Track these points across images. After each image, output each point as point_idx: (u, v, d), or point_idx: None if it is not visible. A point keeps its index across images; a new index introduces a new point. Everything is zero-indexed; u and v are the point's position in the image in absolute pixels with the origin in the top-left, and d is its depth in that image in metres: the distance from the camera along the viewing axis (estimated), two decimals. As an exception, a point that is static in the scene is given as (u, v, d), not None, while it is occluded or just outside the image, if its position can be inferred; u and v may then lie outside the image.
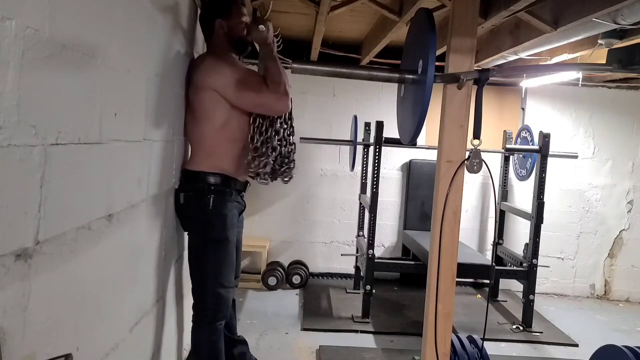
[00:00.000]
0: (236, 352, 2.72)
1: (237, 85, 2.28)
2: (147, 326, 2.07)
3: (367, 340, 3.63)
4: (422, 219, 4.88)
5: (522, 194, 4.89)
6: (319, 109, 4.93)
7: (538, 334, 3.92)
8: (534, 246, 3.97)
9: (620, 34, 2.79)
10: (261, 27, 2.31)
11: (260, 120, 2.40)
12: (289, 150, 2.51)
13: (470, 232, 5.04)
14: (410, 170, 4.96)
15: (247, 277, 4.57)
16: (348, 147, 4.61)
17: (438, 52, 2.46)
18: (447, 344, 1.99)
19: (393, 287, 4.88)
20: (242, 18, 2.44)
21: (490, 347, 2.64)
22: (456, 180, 1.92)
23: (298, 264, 4.87)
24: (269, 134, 2.40)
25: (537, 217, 3.94)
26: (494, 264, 3.47)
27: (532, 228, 3.99)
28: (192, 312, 2.42)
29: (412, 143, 1.93)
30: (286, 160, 2.49)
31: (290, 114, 2.51)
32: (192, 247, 2.40)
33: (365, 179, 4.50)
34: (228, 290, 2.39)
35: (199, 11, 2.59)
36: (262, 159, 2.38)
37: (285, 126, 2.48)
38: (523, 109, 5.06)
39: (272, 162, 2.42)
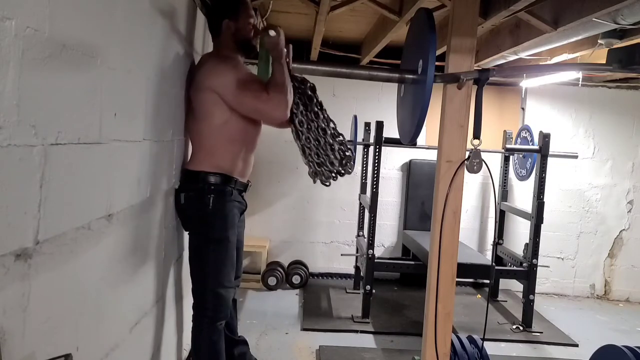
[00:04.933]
0: (236, 352, 2.73)
1: (237, 89, 2.27)
2: (147, 326, 2.07)
3: (367, 340, 3.63)
4: (422, 219, 4.88)
5: (522, 194, 4.89)
6: (319, 109, 4.92)
7: (538, 334, 3.92)
8: (534, 246, 3.97)
9: (620, 34, 2.79)
10: (272, 32, 2.28)
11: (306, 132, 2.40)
12: (341, 141, 2.48)
13: (470, 232, 5.04)
14: (410, 170, 4.96)
15: (247, 277, 4.57)
16: (348, 147, 4.60)
17: (438, 52, 2.46)
18: (447, 344, 1.99)
19: (393, 287, 4.88)
20: (250, 20, 2.43)
21: (490, 347, 2.64)
22: (456, 180, 1.93)
23: (298, 264, 4.87)
24: (314, 138, 2.41)
25: (537, 217, 3.94)
26: (494, 264, 3.47)
27: (532, 228, 3.99)
28: (192, 312, 2.42)
29: (412, 143, 1.94)
30: (344, 154, 2.47)
31: (320, 103, 2.47)
32: (193, 246, 2.40)
33: (365, 179, 4.50)
34: (228, 290, 2.39)
35: (198, 11, 2.59)
36: (325, 166, 2.41)
37: (325, 119, 2.45)
38: (523, 109, 5.06)
39: (336, 160, 2.43)
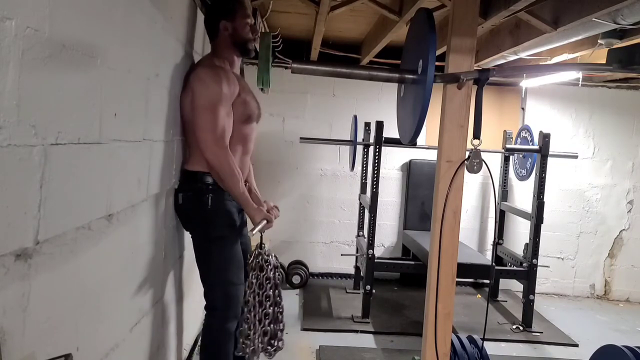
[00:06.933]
0: (236, 352, 2.72)
1: (201, 107, 2.22)
2: (147, 326, 2.07)
3: (367, 340, 3.63)
4: (422, 219, 4.89)
5: (522, 194, 4.89)
6: (319, 109, 4.93)
7: (538, 334, 3.92)
8: (534, 246, 3.97)
9: (620, 34, 2.79)
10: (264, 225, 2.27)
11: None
12: (279, 328, 2.32)
13: (470, 232, 5.04)
14: (410, 170, 4.96)
15: (247, 277, 4.56)
16: (348, 147, 4.61)
17: (438, 52, 2.46)
18: (447, 344, 1.99)
19: (393, 287, 4.89)
20: (247, 20, 2.43)
21: (490, 347, 2.64)
22: (456, 180, 1.92)
23: (298, 264, 4.86)
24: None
25: (537, 217, 3.94)
26: (494, 264, 3.47)
27: (532, 228, 3.99)
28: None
29: (412, 143, 1.93)
30: (273, 340, 2.31)
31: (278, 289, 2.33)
32: (197, 247, 2.39)
33: (365, 179, 4.50)
34: (238, 287, 2.34)
35: (198, 11, 2.59)
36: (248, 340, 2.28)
37: (269, 302, 2.30)
38: (523, 109, 5.06)
39: (260, 345, 2.28)
